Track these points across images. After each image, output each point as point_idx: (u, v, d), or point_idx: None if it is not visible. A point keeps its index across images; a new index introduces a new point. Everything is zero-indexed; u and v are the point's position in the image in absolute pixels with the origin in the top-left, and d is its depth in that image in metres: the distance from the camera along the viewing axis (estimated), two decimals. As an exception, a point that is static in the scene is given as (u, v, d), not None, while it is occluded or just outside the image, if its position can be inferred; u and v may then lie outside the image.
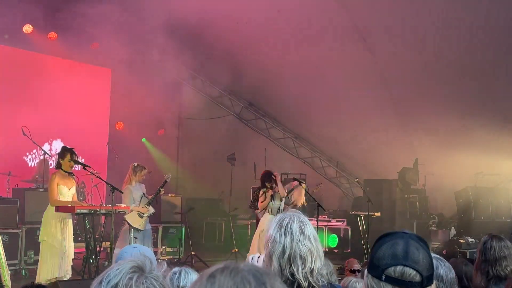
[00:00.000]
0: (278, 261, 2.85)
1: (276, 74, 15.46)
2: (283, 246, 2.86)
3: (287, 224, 2.91)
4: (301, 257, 2.85)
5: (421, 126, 15.17)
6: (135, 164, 10.31)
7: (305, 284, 2.84)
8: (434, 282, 2.13)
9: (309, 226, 2.94)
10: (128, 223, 9.98)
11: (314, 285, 2.87)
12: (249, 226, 15.77)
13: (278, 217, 2.99)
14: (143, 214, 10.06)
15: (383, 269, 2.06)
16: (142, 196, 10.16)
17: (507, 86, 13.90)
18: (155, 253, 12.26)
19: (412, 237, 2.13)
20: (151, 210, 10.27)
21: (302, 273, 2.84)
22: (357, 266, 6.21)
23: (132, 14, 13.82)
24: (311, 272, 2.87)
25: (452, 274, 3.00)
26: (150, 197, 10.35)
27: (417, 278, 2.03)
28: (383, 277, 2.06)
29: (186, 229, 13.76)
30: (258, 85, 16.86)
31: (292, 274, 2.83)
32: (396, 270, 2.04)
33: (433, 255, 3.08)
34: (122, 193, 9.57)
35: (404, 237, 2.12)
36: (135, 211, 9.98)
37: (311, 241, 2.90)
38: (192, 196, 16.83)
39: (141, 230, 10.03)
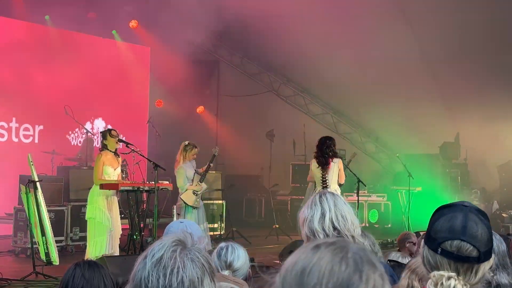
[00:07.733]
0: (320, 225, 2.94)
1: (315, 50, 15.34)
2: (322, 211, 2.96)
3: (321, 196, 3.05)
4: (342, 216, 2.96)
5: (462, 100, 14.93)
6: (186, 142, 10.05)
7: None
8: (493, 255, 2.08)
9: (341, 197, 3.09)
10: (185, 203, 9.90)
11: (359, 241, 2.95)
12: (289, 202, 15.83)
13: (312, 195, 3.12)
14: (197, 191, 10.01)
15: (439, 242, 2.02)
16: (194, 174, 10.05)
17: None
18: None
19: (472, 210, 2.07)
20: (204, 186, 10.18)
21: (346, 229, 2.94)
22: (414, 238, 6.13)
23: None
24: (355, 229, 2.95)
25: (503, 246, 2.98)
26: (201, 172, 10.18)
27: (474, 253, 2.00)
28: (439, 250, 2.02)
29: (226, 205, 13.88)
30: (297, 61, 16.77)
31: (338, 232, 2.90)
32: (453, 244, 2.00)
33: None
34: (165, 170, 9.53)
35: (464, 210, 2.06)
36: (190, 189, 9.97)
37: (347, 205, 3.04)
38: (231, 172, 16.92)
39: (197, 208, 10.05)
